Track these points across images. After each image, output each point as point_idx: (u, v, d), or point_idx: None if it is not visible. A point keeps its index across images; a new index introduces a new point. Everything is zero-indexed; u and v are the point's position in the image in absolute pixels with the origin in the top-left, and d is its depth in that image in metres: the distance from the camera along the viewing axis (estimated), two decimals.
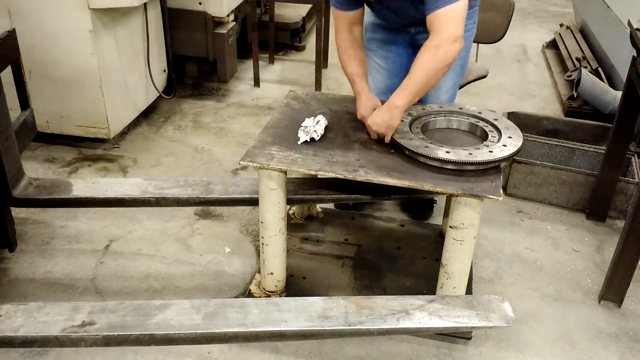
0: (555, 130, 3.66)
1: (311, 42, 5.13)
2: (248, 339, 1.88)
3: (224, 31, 4.14)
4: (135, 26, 3.51)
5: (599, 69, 4.36)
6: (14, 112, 2.55)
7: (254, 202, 2.35)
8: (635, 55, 2.53)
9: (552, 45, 5.47)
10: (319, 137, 2.22)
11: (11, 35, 2.44)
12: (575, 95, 4.16)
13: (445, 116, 2.32)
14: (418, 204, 3.03)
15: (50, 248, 2.73)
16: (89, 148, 3.55)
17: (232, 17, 4.27)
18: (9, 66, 2.50)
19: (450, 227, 2.06)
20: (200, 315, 1.89)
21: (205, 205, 2.47)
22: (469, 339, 2.29)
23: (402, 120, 2.22)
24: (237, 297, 2.49)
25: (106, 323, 1.84)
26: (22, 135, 2.58)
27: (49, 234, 2.81)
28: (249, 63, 4.63)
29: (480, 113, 2.30)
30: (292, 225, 2.80)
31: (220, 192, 2.43)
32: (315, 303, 1.97)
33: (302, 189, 2.46)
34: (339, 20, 2.47)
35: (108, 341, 1.82)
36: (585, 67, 4.44)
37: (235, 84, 4.53)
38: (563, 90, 4.51)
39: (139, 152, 3.56)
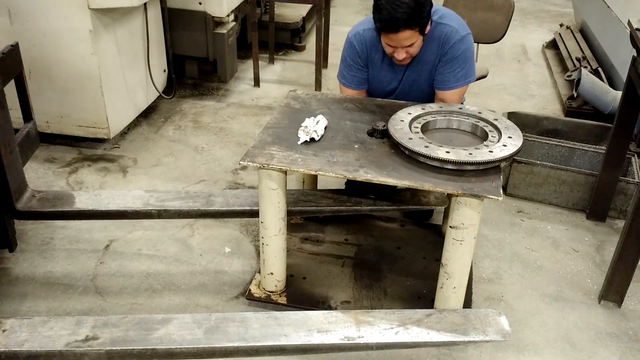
0: (555, 130, 3.66)
1: (311, 42, 5.13)
2: (249, 354, 1.92)
3: (224, 31, 4.14)
4: (135, 26, 3.51)
5: (599, 69, 4.36)
6: (15, 112, 2.55)
7: (254, 214, 2.37)
8: (635, 55, 2.53)
9: (552, 45, 5.47)
10: (319, 137, 2.22)
11: (14, 49, 2.47)
12: (575, 95, 4.15)
13: (445, 116, 2.31)
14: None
15: (50, 248, 2.73)
16: (89, 148, 3.56)
17: (232, 17, 4.27)
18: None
19: (450, 227, 2.06)
20: (202, 330, 1.91)
21: (206, 217, 2.53)
22: None
23: (402, 120, 2.22)
24: (237, 297, 2.50)
25: (109, 338, 1.87)
26: (25, 147, 2.60)
27: (49, 234, 2.81)
28: (249, 63, 4.63)
29: (480, 113, 2.30)
30: (292, 225, 2.80)
31: (221, 204, 2.46)
32: (314, 317, 2.00)
33: (301, 201, 2.48)
34: (344, 93, 2.71)
35: (111, 356, 1.85)
36: (585, 67, 4.44)
37: (235, 84, 4.53)
38: (563, 90, 4.51)
39: (139, 152, 3.56)
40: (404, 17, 2.21)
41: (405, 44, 2.32)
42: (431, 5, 2.30)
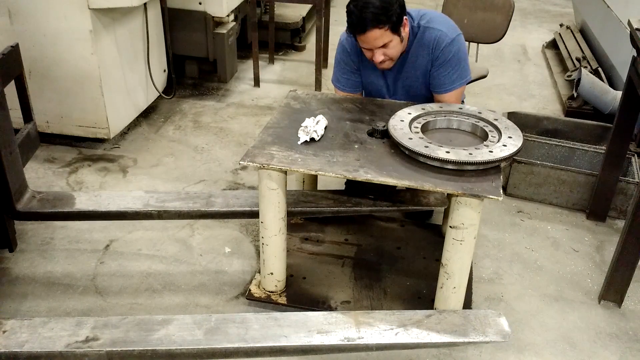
0: (555, 130, 3.66)
1: (311, 42, 5.13)
2: (249, 354, 1.93)
3: (224, 31, 4.14)
4: (135, 26, 3.51)
5: (599, 69, 4.36)
6: (15, 111, 2.55)
7: (254, 214, 2.38)
8: (635, 55, 2.53)
9: (552, 45, 5.48)
10: (319, 137, 2.22)
11: (14, 50, 2.47)
12: (575, 95, 4.16)
13: (445, 116, 2.32)
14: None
15: (50, 248, 2.73)
16: (89, 148, 3.56)
17: (232, 17, 4.27)
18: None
19: (450, 227, 2.06)
20: (202, 331, 1.92)
21: (207, 218, 2.55)
22: None
23: (402, 120, 2.22)
24: (237, 297, 2.50)
25: (109, 338, 1.87)
26: (26, 148, 2.61)
27: (49, 234, 2.81)
28: (249, 63, 4.63)
29: (480, 113, 2.30)
30: (292, 225, 2.80)
31: (221, 204, 2.46)
32: (314, 318, 2.00)
33: (301, 202, 2.49)
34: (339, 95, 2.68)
35: (111, 357, 1.85)
36: (585, 67, 4.44)
37: (235, 84, 4.53)
38: (563, 90, 4.51)
39: (139, 152, 3.56)
40: (370, 16, 2.22)
41: (378, 44, 2.31)
42: (402, 4, 2.30)
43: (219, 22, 4.17)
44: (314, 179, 2.78)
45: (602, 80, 4.10)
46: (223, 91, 4.40)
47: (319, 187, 2.82)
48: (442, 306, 2.20)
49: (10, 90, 2.47)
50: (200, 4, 4.03)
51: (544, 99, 4.55)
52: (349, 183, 2.77)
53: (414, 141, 2.09)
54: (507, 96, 4.59)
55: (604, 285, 2.53)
